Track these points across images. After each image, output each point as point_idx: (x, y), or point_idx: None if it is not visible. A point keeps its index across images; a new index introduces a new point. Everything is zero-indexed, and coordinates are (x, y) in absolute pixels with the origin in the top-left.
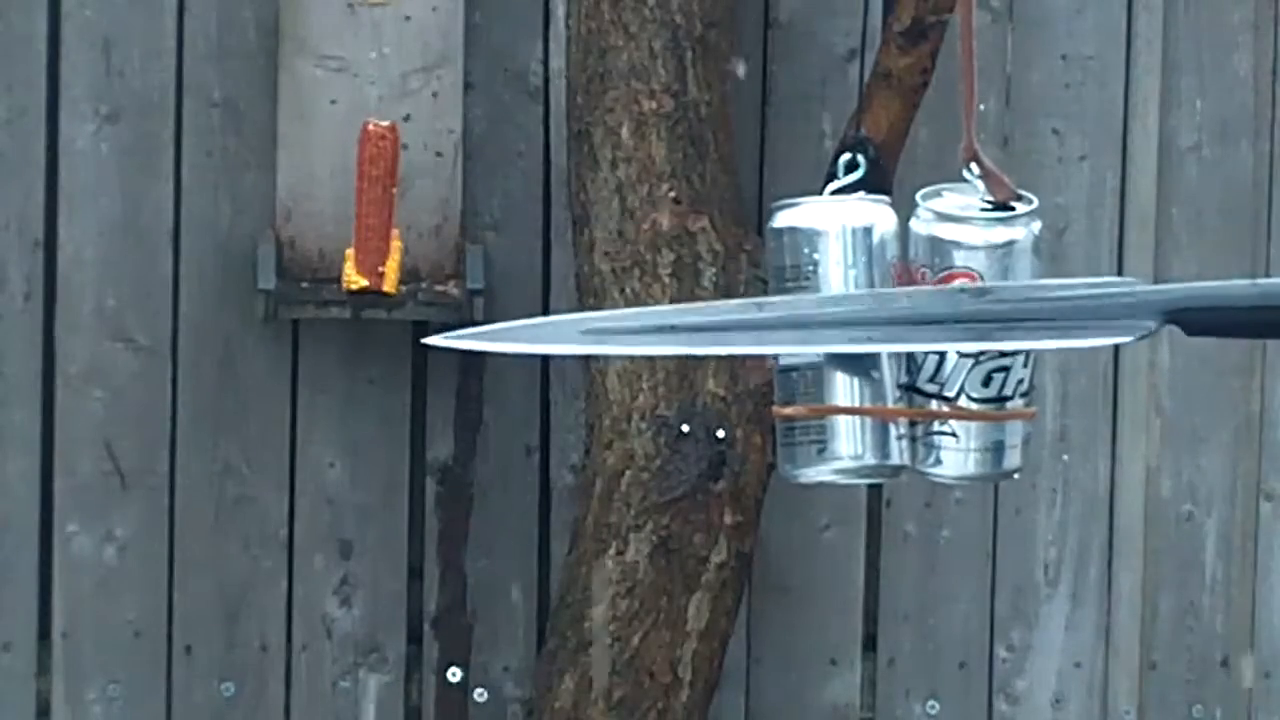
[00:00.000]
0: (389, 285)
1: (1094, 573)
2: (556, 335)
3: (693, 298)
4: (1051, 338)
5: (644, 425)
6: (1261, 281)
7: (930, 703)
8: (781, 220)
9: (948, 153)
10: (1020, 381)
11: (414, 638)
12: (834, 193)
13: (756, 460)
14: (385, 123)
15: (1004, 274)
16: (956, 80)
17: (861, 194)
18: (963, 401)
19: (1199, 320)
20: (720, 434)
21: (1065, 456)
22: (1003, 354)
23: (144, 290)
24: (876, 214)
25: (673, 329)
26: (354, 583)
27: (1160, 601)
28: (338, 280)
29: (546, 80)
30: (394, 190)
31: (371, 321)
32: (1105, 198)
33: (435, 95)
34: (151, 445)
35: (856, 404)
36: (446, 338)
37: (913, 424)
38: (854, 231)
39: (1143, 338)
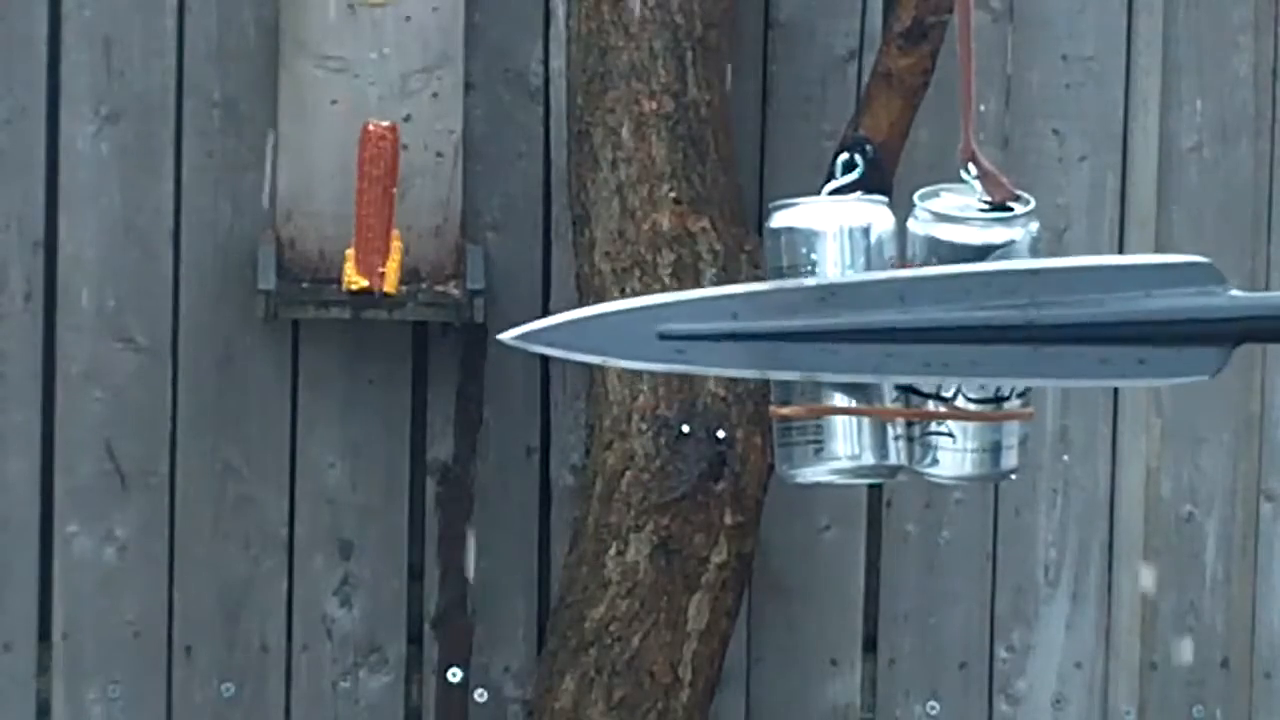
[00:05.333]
0: (389, 285)
1: (1094, 573)
2: (629, 336)
3: None
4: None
5: (644, 425)
6: None
7: (930, 703)
8: (779, 220)
9: (947, 153)
10: None
11: (414, 638)
12: (832, 193)
13: (757, 460)
14: (385, 123)
15: None
16: (956, 80)
17: (859, 194)
18: (960, 402)
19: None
20: (720, 434)
21: (1065, 457)
22: None
23: (144, 290)
24: (874, 214)
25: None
26: (354, 583)
27: (1160, 601)
28: (338, 280)
29: (546, 80)
30: (394, 191)
31: (372, 322)
32: (1105, 198)
33: (435, 95)
34: (151, 445)
35: (854, 404)
36: (517, 334)
37: (910, 424)
38: (851, 232)
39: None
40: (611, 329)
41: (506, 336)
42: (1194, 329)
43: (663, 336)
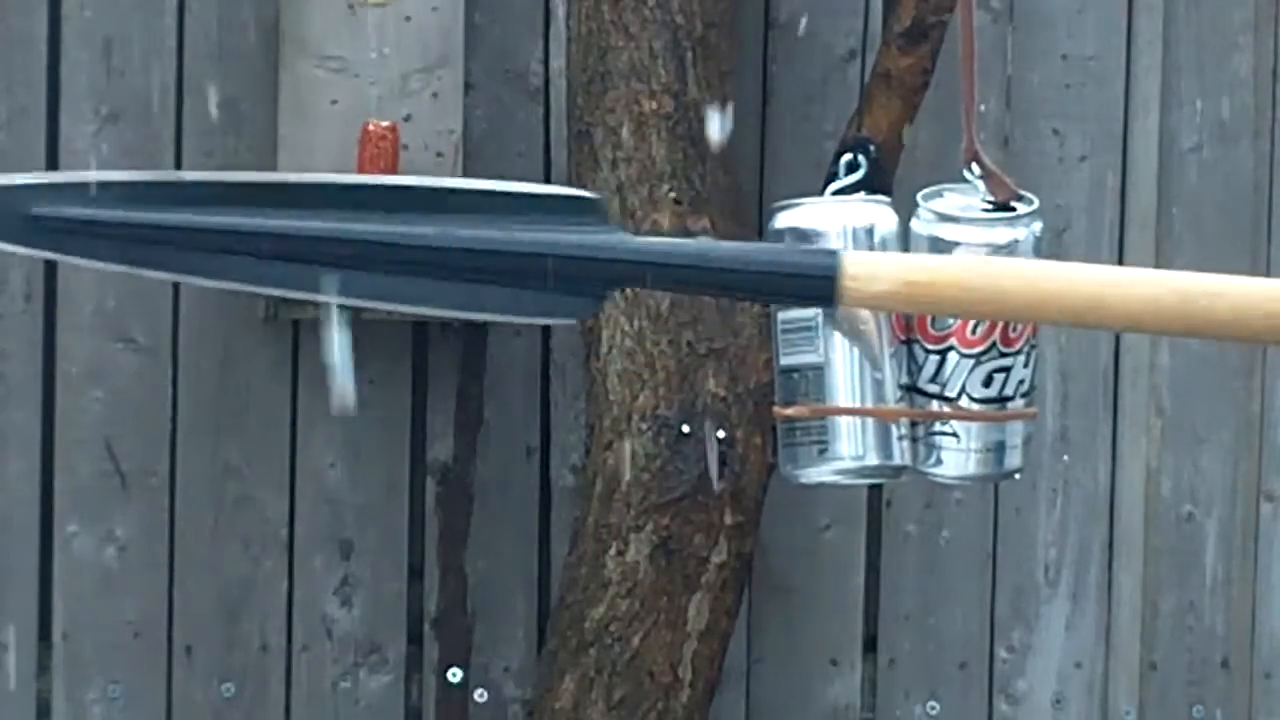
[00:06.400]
0: None
1: (1094, 573)
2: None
3: (693, 299)
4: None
5: (644, 425)
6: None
7: (930, 703)
8: (782, 221)
9: (948, 153)
10: (1021, 382)
11: (414, 638)
12: (835, 193)
13: (757, 460)
14: (385, 123)
15: None
16: (957, 80)
17: (862, 194)
18: (964, 402)
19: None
20: (721, 434)
21: (1066, 457)
22: (1004, 354)
23: (144, 290)
24: (877, 214)
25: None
26: (354, 583)
27: (1160, 601)
28: None
29: (546, 80)
30: None
31: (371, 321)
32: (1105, 198)
33: (435, 95)
34: (151, 445)
35: (858, 404)
36: None
37: (914, 424)
38: (855, 232)
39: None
40: None
41: None
42: (571, 267)
43: (37, 219)
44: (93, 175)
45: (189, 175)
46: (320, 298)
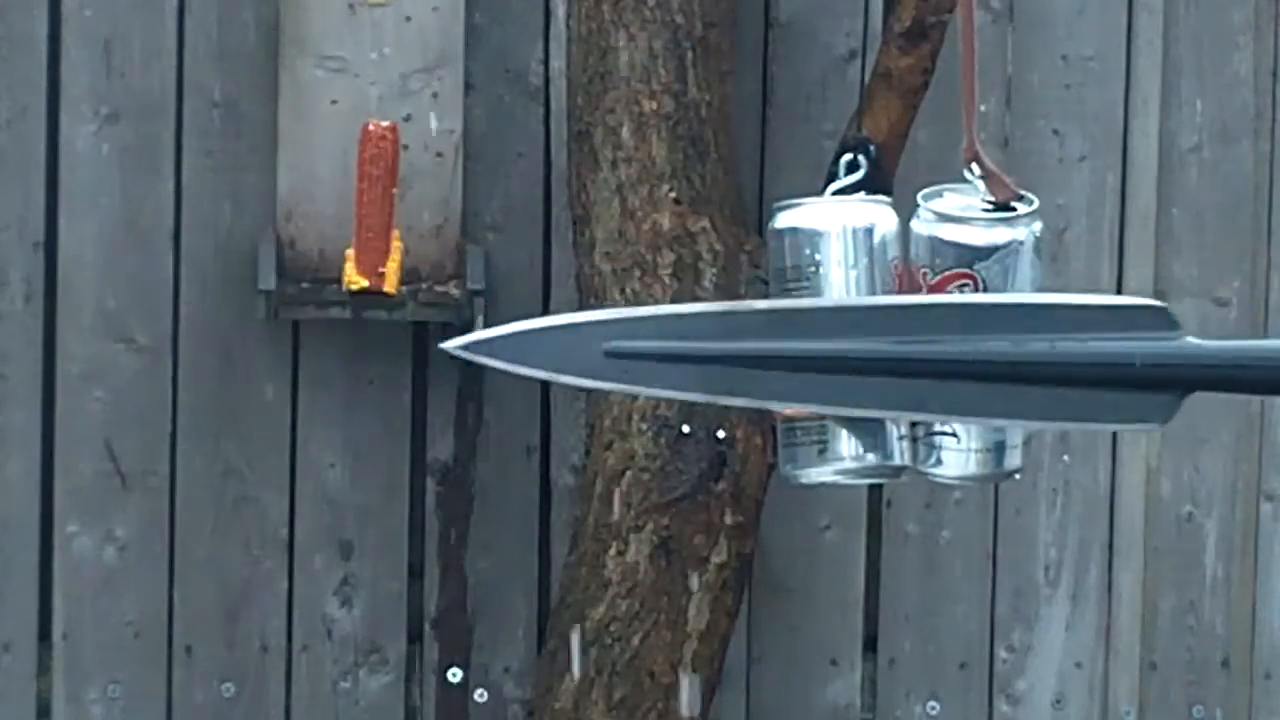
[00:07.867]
0: (389, 286)
1: (1094, 573)
2: (576, 352)
3: (693, 298)
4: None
5: (644, 425)
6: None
7: (930, 703)
8: (782, 221)
9: (948, 153)
10: None
11: (414, 638)
12: (835, 193)
13: (757, 460)
14: (386, 123)
15: (1005, 274)
16: (957, 80)
17: (862, 194)
18: None
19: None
20: (720, 434)
21: (1066, 457)
22: None
23: (144, 290)
24: (877, 214)
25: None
26: (354, 583)
27: (1160, 601)
28: (338, 280)
29: (547, 80)
30: (394, 190)
31: (372, 322)
32: (1105, 198)
33: (435, 95)
34: (151, 445)
35: None
36: (461, 344)
37: (914, 424)
38: (855, 232)
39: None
40: (558, 344)
41: (450, 346)
42: (1145, 374)
43: (609, 354)
44: (665, 309)
45: (756, 304)
46: (917, 416)
